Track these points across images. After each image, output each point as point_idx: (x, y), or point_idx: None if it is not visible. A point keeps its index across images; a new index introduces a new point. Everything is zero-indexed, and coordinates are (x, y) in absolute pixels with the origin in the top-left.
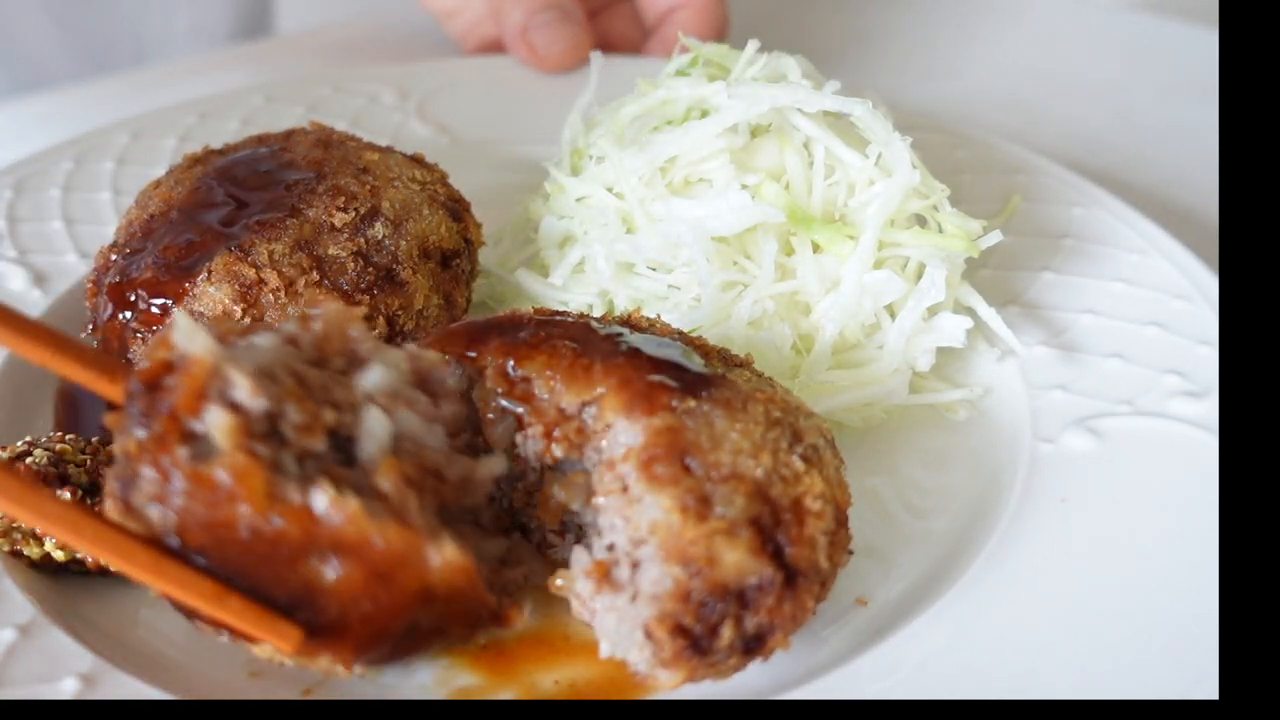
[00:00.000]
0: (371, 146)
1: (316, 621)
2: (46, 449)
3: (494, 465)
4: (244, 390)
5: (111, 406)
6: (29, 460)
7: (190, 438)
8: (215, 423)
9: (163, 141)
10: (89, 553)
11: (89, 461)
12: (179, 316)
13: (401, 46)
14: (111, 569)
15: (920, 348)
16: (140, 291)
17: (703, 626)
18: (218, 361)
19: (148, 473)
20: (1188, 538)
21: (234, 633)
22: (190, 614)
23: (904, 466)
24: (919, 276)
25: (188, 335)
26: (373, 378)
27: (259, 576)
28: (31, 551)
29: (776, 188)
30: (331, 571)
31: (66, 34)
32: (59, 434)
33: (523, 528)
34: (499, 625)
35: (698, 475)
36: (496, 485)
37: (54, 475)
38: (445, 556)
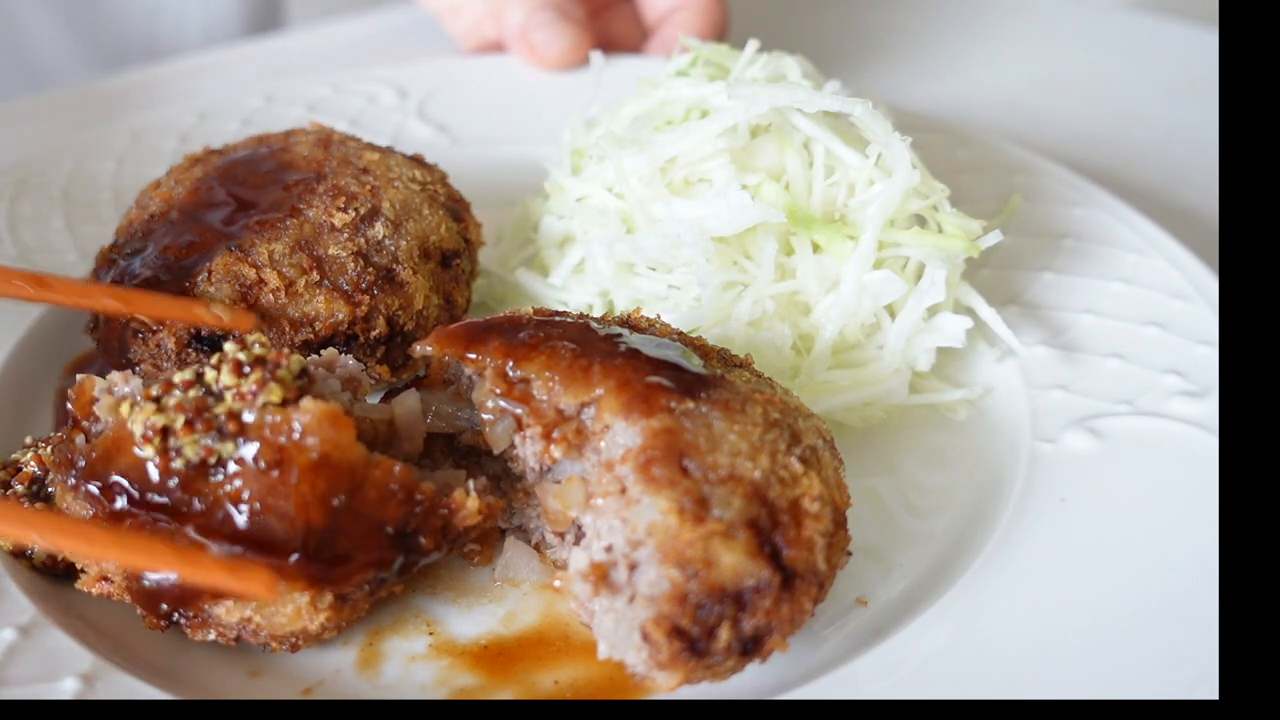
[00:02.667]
0: (371, 146)
1: (248, 541)
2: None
3: (408, 400)
4: (119, 381)
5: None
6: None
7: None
8: (101, 406)
9: (163, 141)
10: (51, 545)
11: None
12: (78, 377)
13: (401, 46)
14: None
15: (920, 348)
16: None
17: (700, 628)
18: (105, 380)
19: (59, 473)
20: (1188, 538)
21: (205, 594)
22: (172, 617)
23: (904, 466)
24: (919, 276)
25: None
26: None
27: (183, 522)
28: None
29: (776, 188)
30: (228, 480)
31: (79, 36)
32: (59, 434)
33: (522, 527)
34: (449, 515)
35: (695, 477)
36: (453, 442)
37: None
38: (307, 409)
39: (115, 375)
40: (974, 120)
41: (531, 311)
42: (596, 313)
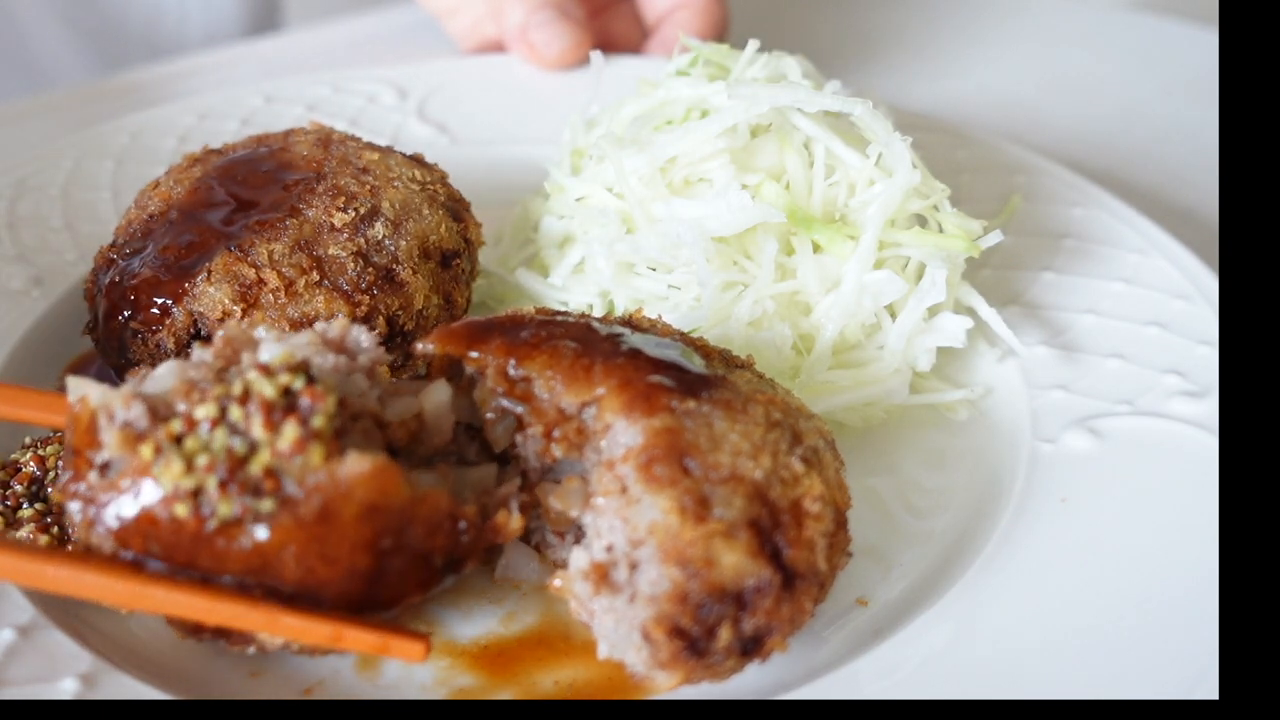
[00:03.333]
0: (371, 146)
1: (292, 586)
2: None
3: (437, 393)
4: (119, 404)
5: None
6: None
7: (104, 468)
8: (110, 439)
9: (163, 141)
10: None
11: None
12: (69, 381)
13: (401, 46)
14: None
15: (920, 348)
16: (140, 292)
17: (700, 628)
18: (101, 399)
19: (74, 507)
20: (1188, 538)
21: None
22: (190, 626)
23: (904, 466)
24: (919, 276)
25: (73, 390)
26: (266, 352)
27: (209, 567)
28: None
29: (776, 188)
30: (268, 532)
31: (79, 36)
32: (59, 435)
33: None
34: (492, 536)
35: (696, 476)
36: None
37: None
38: (353, 466)
39: (112, 397)
40: (974, 120)
41: (534, 311)
42: (597, 313)
